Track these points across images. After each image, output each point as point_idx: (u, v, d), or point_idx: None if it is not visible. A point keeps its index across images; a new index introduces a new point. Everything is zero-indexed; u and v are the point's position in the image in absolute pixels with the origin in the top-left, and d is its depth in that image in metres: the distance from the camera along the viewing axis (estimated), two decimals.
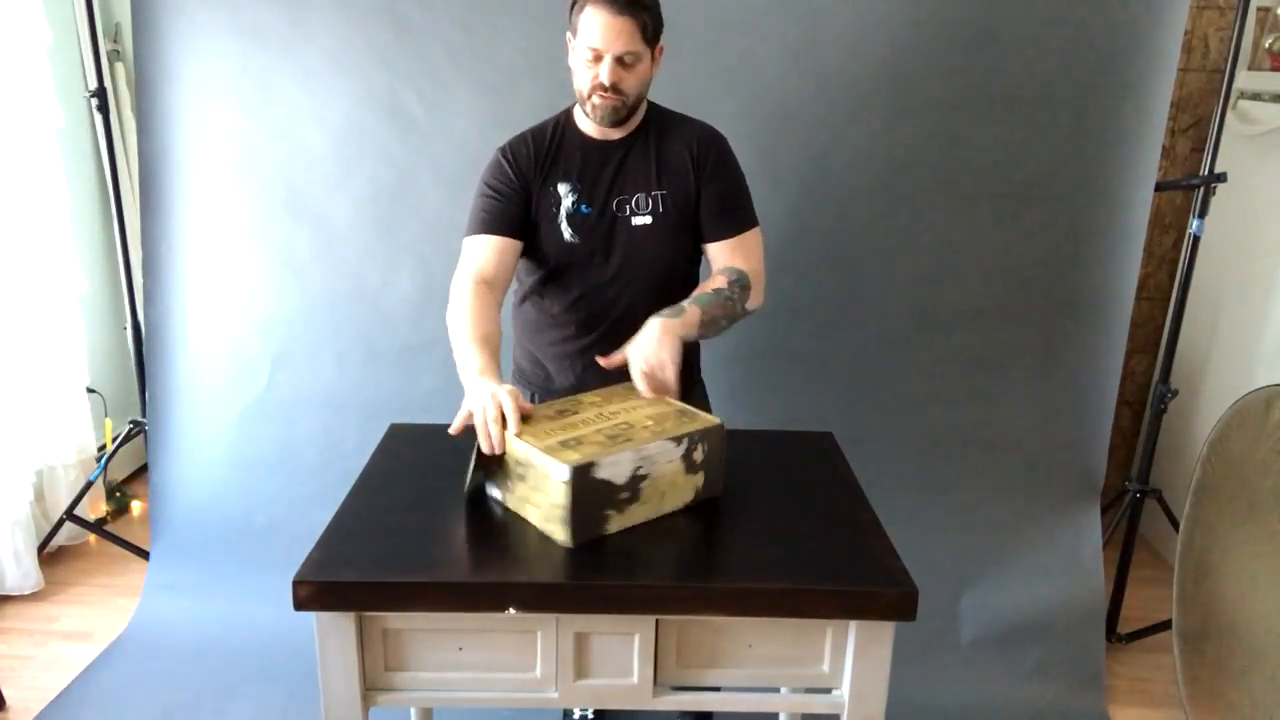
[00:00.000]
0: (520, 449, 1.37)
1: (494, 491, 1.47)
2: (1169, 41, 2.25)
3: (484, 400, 1.41)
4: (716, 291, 1.70)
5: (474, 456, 1.44)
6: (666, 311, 1.62)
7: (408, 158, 2.44)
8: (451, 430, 1.46)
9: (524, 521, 1.41)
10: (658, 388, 1.55)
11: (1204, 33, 2.94)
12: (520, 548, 1.35)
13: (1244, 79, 2.71)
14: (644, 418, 1.45)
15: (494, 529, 1.40)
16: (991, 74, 2.31)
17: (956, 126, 2.34)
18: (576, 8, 1.64)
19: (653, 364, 1.54)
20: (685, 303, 1.65)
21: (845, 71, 2.32)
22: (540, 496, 1.35)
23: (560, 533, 1.33)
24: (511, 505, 1.43)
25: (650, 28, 1.64)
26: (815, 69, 2.32)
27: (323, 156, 2.47)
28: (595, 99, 1.67)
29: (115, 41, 3.20)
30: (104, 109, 2.69)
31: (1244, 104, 2.72)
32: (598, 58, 1.63)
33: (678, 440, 1.39)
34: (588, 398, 1.55)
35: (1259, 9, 2.70)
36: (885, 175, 2.38)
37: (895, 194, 2.39)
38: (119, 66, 3.18)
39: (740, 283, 1.74)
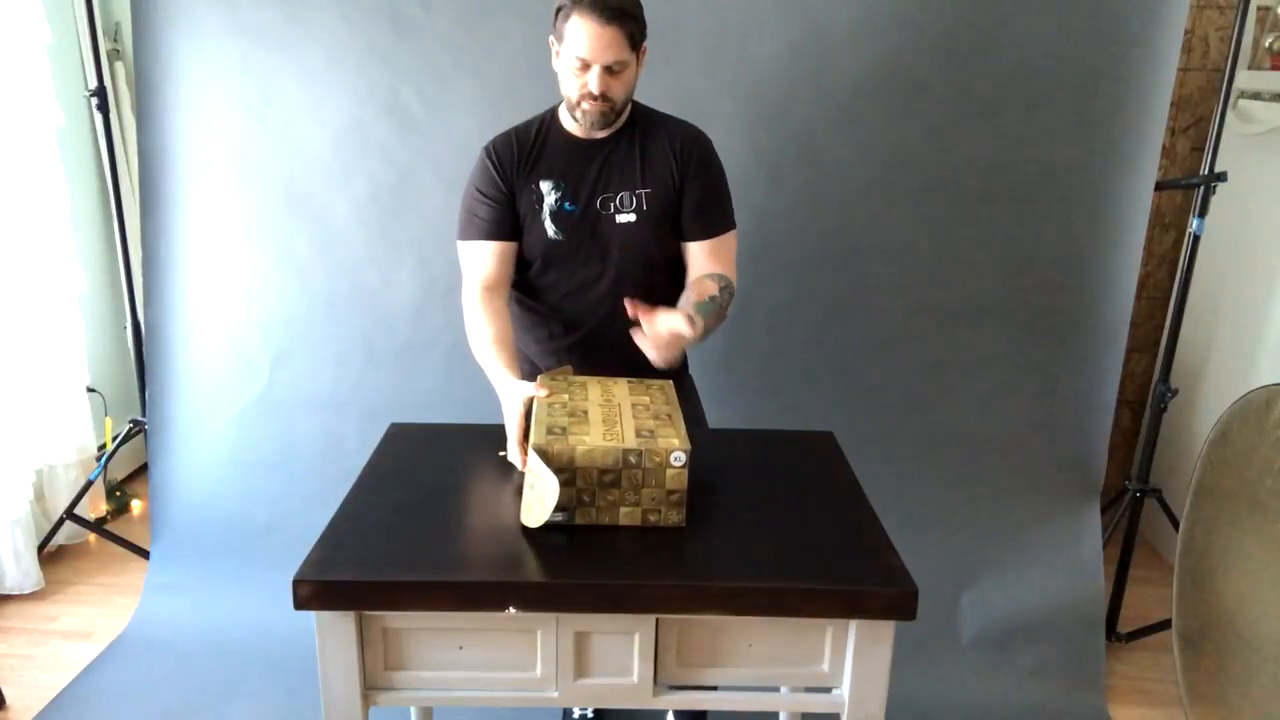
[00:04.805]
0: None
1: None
2: (1169, 41, 2.25)
3: (507, 420, 1.55)
4: (713, 299, 1.70)
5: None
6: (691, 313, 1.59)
7: (408, 157, 2.44)
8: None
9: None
10: (665, 355, 1.55)
11: (1204, 33, 2.93)
12: (520, 548, 1.35)
13: (1244, 78, 2.71)
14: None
15: (494, 529, 1.40)
16: (991, 74, 2.31)
17: (956, 126, 2.35)
18: (561, 15, 1.66)
19: (670, 347, 1.54)
20: (691, 312, 1.62)
21: (845, 71, 2.32)
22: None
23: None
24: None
25: (637, 35, 1.66)
26: (815, 69, 2.32)
27: (323, 156, 2.46)
28: (585, 105, 1.70)
29: (115, 41, 3.20)
30: (104, 108, 2.69)
31: (1244, 103, 2.72)
32: (585, 67, 1.65)
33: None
34: (595, 393, 1.56)
35: (1259, 9, 2.70)
36: (885, 175, 2.38)
37: (895, 194, 2.39)
38: (119, 66, 3.18)
39: (729, 290, 1.77)
